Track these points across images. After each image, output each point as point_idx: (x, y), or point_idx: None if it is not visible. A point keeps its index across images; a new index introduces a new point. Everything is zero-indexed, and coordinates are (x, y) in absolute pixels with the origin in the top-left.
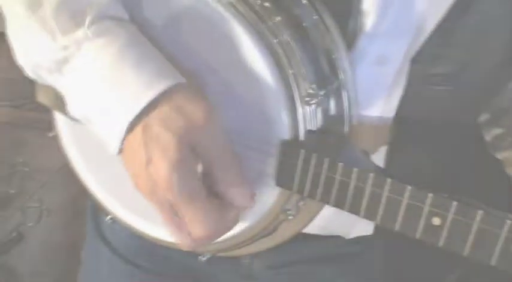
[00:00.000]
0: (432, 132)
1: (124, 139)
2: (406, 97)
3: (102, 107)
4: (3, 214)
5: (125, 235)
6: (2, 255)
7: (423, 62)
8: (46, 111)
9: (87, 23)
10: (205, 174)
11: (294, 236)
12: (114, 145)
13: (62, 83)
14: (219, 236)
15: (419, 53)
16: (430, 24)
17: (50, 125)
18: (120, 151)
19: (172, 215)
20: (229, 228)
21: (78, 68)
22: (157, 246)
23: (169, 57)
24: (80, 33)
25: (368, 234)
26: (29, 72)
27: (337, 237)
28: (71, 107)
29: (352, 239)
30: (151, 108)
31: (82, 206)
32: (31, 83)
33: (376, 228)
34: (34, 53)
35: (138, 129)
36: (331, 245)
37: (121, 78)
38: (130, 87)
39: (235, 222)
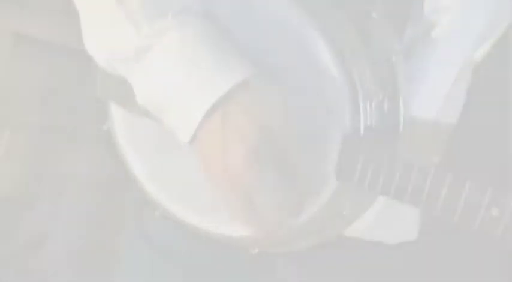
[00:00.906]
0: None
1: (199, 127)
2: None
3: (178, 94)
4: (30, 215)
5: (170, 232)
6: (23, 256)
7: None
8: (77, 118)
9: (172, 13)
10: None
11: (342, 233)
12: (187, 133)
13: (136, 72)
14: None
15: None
16: (496, 34)
17: (103, 118)
18: (192, 140)
19: (247, 201)
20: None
21: (159, 56)
22: (203, 244)
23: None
24: (164, 23)
25: (412, 239)
26: (101, 60)
27: (379, 243)
28: (143, 96)
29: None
30: (230, 97)
31: (111, 213)
32: (63, 90)
33: (421, 232)
34: (113, 41)
35: (216, 116)
36: (372, 251)
37: (201, 66)
38: (210, 76)
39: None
